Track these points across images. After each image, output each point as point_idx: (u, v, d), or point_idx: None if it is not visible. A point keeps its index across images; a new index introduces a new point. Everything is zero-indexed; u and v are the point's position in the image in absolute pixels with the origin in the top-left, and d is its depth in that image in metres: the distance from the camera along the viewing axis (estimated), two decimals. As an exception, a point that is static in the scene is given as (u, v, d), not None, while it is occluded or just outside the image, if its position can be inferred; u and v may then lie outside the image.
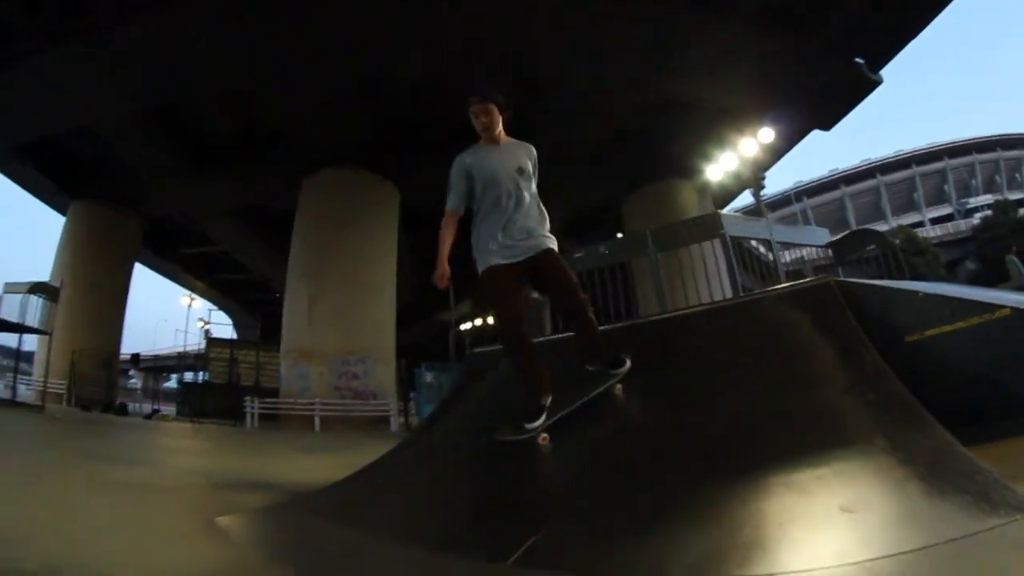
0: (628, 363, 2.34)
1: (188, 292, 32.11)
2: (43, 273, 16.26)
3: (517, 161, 2.42)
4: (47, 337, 11.39)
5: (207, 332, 33.27)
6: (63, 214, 17.53)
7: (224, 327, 33.78)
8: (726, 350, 2.20)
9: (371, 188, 15.14)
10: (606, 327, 2.76)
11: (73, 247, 16.72)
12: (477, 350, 3.49)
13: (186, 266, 25.59)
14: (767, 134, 12.72)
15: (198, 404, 14.65)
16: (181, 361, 37.27)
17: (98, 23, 11.01)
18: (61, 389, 14.28)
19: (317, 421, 11.81)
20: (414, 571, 1.57)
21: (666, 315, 2.75)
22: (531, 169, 2.48)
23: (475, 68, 11.49)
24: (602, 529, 1.45)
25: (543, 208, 2.50)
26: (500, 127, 2.45)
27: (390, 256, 15.09)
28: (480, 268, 2.36)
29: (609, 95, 13.08)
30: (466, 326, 23.68)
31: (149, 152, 15.43)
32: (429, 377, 11.97)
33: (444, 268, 2.31)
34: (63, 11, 10.98)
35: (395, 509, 2.15)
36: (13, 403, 10.44)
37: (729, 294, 4.83)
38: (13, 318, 9.72)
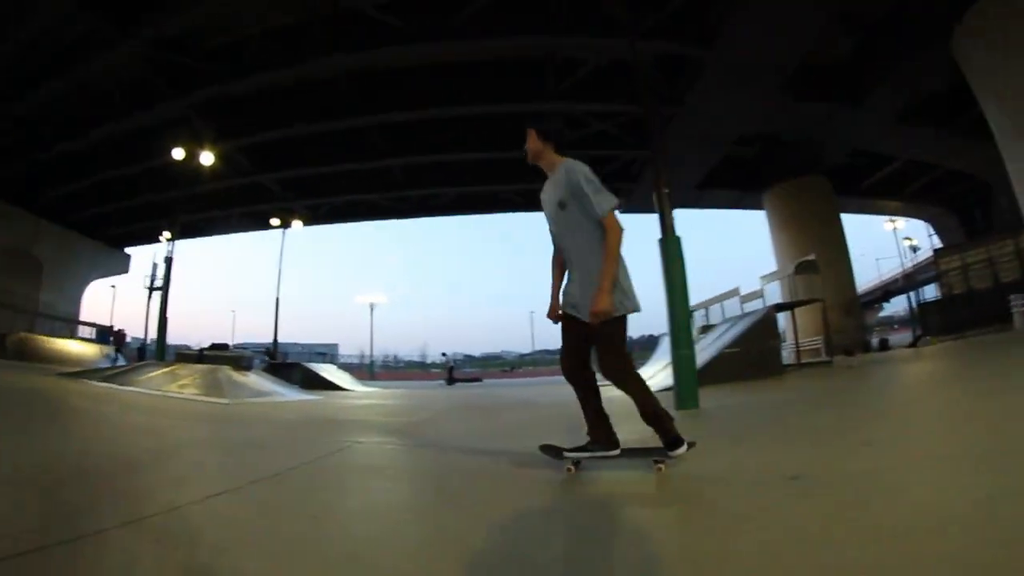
0: (685, 447, 2.04)
1: (888, 217, 30.85)
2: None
3: (556, 195, 2.17)
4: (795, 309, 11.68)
5: (914, 248, 31.85)
6: (757, 208, 21.21)
7: (921, 239, 31.89)
8: None
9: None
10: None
11: (781, 225, 19.78)
12: None
13: (876, 193, 24.83)
14: None
15: (946, 320, 14.57)
16: (892, 286, 38.67)
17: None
18: (815, 344, 14.69)
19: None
20: None
21: None
22: (574, 197, 2.09)
23: None
24: None
25: (599, 248, 2.04)
26: (549, 155, 2.23)
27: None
28: None
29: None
30: None
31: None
32: None
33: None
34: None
35: None
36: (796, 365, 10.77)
37: None
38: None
